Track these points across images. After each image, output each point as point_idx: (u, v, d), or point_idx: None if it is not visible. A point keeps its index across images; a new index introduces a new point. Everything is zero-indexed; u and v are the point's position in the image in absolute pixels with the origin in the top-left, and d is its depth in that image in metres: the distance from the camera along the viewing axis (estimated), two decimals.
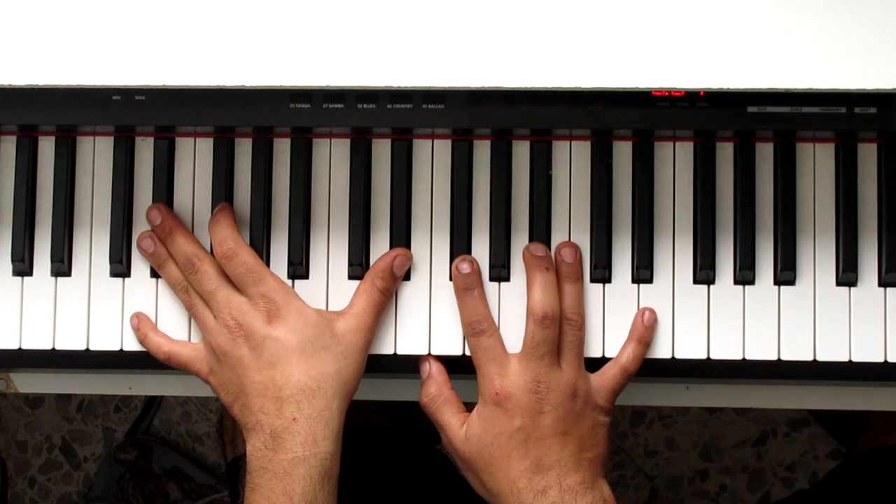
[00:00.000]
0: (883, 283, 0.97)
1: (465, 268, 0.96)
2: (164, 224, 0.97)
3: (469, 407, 0.97)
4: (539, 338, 0.93)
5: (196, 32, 0.91)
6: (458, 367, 0.97)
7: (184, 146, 1.00)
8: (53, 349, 0.99)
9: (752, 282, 0.97)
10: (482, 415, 0.94)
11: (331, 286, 0.99)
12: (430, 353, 0.98)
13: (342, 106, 0.96)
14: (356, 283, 0.98)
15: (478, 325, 0.95)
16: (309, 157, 1.00)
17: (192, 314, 0.97)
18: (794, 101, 0.94)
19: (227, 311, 0.94)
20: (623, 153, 0.99)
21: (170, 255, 0.97)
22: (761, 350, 0.97)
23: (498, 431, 0.93)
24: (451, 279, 0.98)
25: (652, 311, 0.96)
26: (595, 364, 0.96)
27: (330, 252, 0.99)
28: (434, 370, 0.96)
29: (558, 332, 0.94)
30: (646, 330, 0.96)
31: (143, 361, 0.99)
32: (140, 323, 0.98)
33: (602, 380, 0.95)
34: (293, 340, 0.93)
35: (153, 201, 0.99)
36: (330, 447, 0.91)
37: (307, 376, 0.92)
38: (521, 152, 0.99)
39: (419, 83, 0.90)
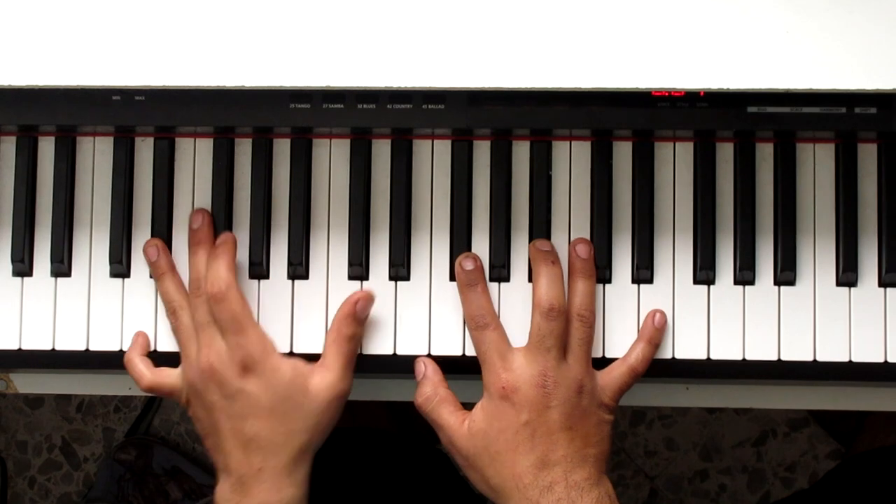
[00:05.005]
0: (883, 284, 0.97)
1: (469, 265, 0.96)
2: (199, 232, 0.97)
3: (467, 407, 0.96)
4: (545, 330, 0.93)
5: (196, 33, 0.91)
6: (459, 368, 0.97)
7: (184, 146, 1.00)
8: (53, 349, 0.99)
9: (752, 282, 0.98)
10: (487, 409, 0.93)
11: (331, 287, 0.99)
12: (428, 354, 0.98)
13: (342, 106, 0.96)
14: (356, 283, 0.98)
15: (481, 318, 0.95)
16: (309, 157, 1.00)
17: (177, 339, 0.97)
18: (794, 101, 0.94)
19: (206, 350, 0.94)
20: (623, 153, 0.99)
21: (170, 269, 0.97)
22: (761, 350, 0.97)
23: (504, 426, 0.92)
24: (451, 279, 0.98)
25: (663, 314, 0.96)
26: (595, 364, 0.96)
27: (330, 252, 0.99)
28: (429, 371, 0.96)
29: (564, 325, 0.94)
30: (656, 331, 0.96)
31: None
32: (133, 344, 0.98)
33: (609, 378, 0.95)
34: (265, 398, 0.93)
35: (153, 201, 0.99)
36: (295, 493, 0.94)
37: (276, 433, 0.93)
38: (521, 152, 0.99)
39: (419, 83, 0.90)
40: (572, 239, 0.98)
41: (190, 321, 0.96)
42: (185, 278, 0.99)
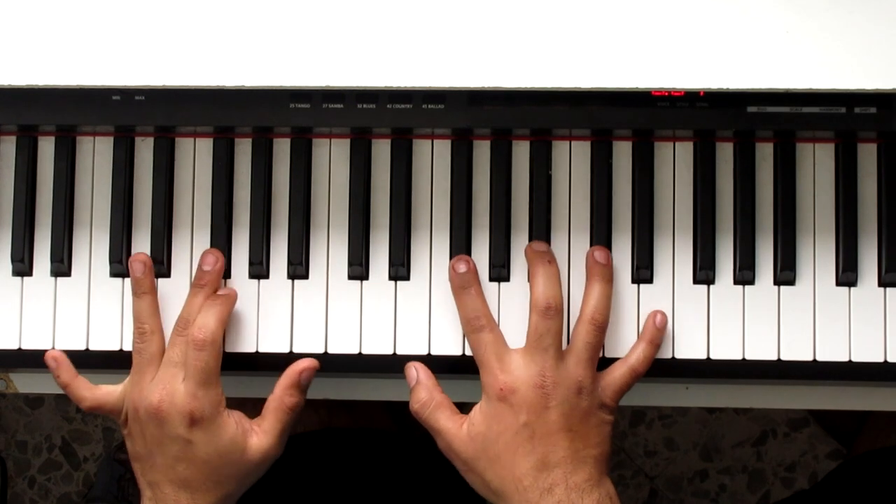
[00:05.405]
0: (883, 283, 0.97)
1: (462, 267, 0.96)
2: (208, 275, 0.96)
3: (463, 409, 0.96)
4: (542, 329, 0.93)
5: (196, 32, 0.91)
6: (458, 368, 0.97)
7: (184, 146, 1.00)
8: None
9: (751, 282, 0.98)
10: (486, 412, 0.93)
11: (331, 286, 0.99)
12: (428, 354, 0.98)
13: (342, 106, 0.96)
14: (356, 283, 0.98)
15: (477, 321, 0.95)
16: (309, 157, 1.00)
17: (135, 359, 0.96)
18: (794, 101, 0.94)
19: (162, 388, 0.94)
20: (623, 153, 0.99)
21: (152, 290, 0.97)
22: (761, 350, 0.97)
23: (503, 428, 0.92)
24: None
25: (664, 314, 0.96)
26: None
27: (330, 252, 0.99)
28: (422, 376, 0.96)
29: (562, 324, 0.93)
30: (657, 332, 0.96)
31: None
32: (59, 367, 0.97)
33: (610, 379, 0.95)
34: (203, 451, 0.94)
35: (153, 201, 0.99)
36: None
37: (207, 480, 0.94)
38: (521, 152, 0.99)
39: (419, 83, 0.90)
40: (572, 239, 0.98)
41: (156, 350, 0.96)
42: (176, 285, 0.99)
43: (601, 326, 0.94)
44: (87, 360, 0.99)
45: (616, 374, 0.95)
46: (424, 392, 0.95)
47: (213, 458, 0.94)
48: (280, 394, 0.96)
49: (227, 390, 0.97)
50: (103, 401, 0.97)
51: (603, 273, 0.95)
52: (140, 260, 0.97)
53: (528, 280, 0.96)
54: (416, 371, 0.96)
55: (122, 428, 0.98)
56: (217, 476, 0.95)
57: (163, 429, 0.94)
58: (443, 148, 1.00)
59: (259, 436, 0.96)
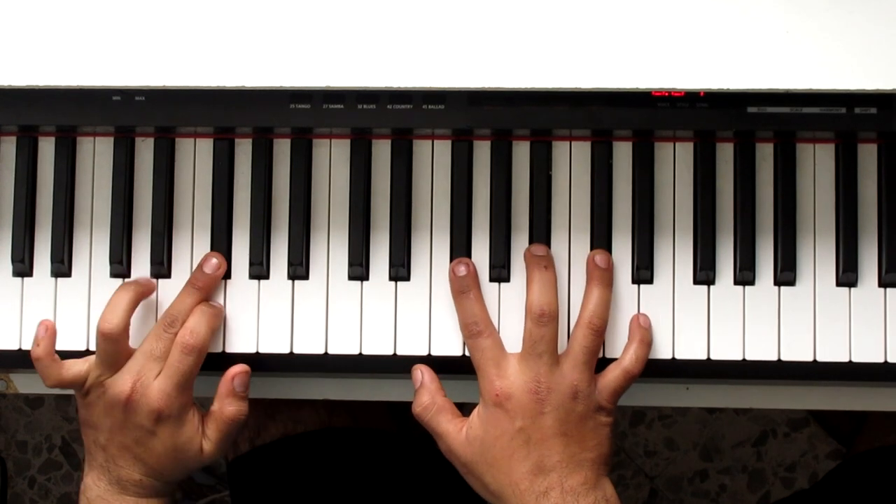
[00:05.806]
0: (883, 284, 0.97)
1: (462, 270, 0.96)
2: (206, 279, 0.97)
3: (463, 409, 0.96)
4: (537, 336, 0.93)
5: (196, 33, 0.91)
6: (458, 368, 0.97)
7: (184, 146, 1.00)
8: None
9: (752, 282, 0.98)
10: (483, 417, 0.94)
11: (331, 287, 0.99)
12: (428, 354, 0.97)
13: (342, 106, 0.96)
14: (356, 283, 0.98)
15: (475, 326, 0.95)
16: (309, 157, 1.00)
17: (99, 354, 0.96)
18: (794, 101, 0.94)
19: (136, 378, 0.95)
20: (623, 153, 0.99)
21: (148, 289, 0.98)
22: (761, 350, 0.97)
23: (499, 433, 0.93)
24: None
25: (645, 315, 0.97)
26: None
27: (330, 252, 0.99)
28: (426, 379, 0.96)
29: (556, 330, 0.93)
30: (644, 331, 0.96)
31: None
32: (46, 336, 0.97)
33: (604, 381, 0.95)
34: (161, 444, 0.96)
35: (153, 201, 0.99)
36: (167, 502, 1.01)
37: (160, 465, 0.97)
38: (521, 152, 0.99)
39: (419, 83, 0.90)
40: (572, 239, 0.98)
41: (119, 357, 0.95)
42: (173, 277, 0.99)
43: (599, 331, 0.94)
44: None
45: (610, 377, 0.95)
46: (427, 396, 0.96)
47: (168, 451, 0.96)
48: (219, 405, 0.98)
49: None
50: (69, 379, 0.97)
51: (603, 277, 0.95)
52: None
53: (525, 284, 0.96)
54: (421, 374, 0.97)
55: (80, 397, 0.98)
56: (167, 463, 0.97)
57: (128, 416, 0.95)
58: (443, 148, 1.00)
59: (210, 441, 0.98)
